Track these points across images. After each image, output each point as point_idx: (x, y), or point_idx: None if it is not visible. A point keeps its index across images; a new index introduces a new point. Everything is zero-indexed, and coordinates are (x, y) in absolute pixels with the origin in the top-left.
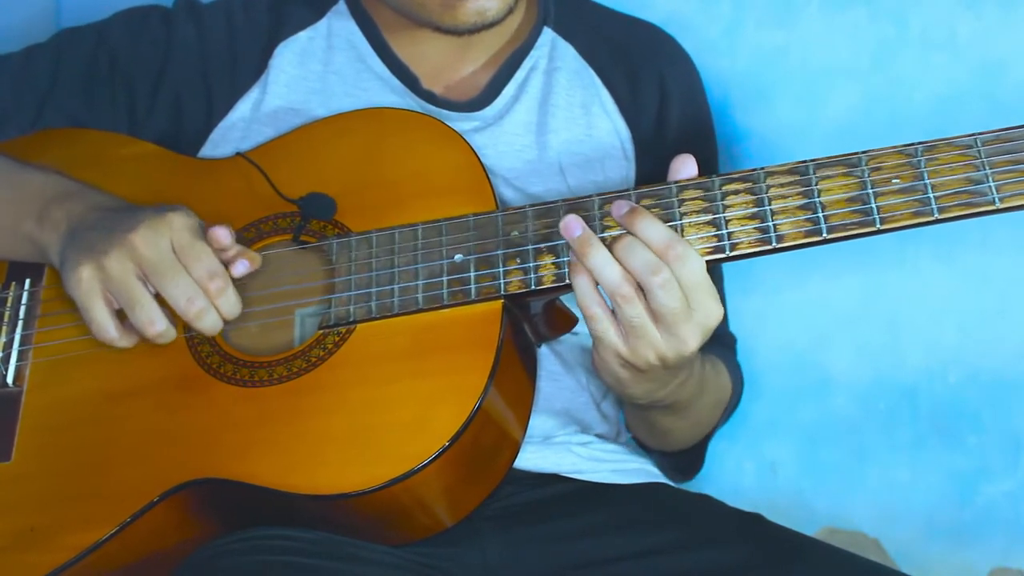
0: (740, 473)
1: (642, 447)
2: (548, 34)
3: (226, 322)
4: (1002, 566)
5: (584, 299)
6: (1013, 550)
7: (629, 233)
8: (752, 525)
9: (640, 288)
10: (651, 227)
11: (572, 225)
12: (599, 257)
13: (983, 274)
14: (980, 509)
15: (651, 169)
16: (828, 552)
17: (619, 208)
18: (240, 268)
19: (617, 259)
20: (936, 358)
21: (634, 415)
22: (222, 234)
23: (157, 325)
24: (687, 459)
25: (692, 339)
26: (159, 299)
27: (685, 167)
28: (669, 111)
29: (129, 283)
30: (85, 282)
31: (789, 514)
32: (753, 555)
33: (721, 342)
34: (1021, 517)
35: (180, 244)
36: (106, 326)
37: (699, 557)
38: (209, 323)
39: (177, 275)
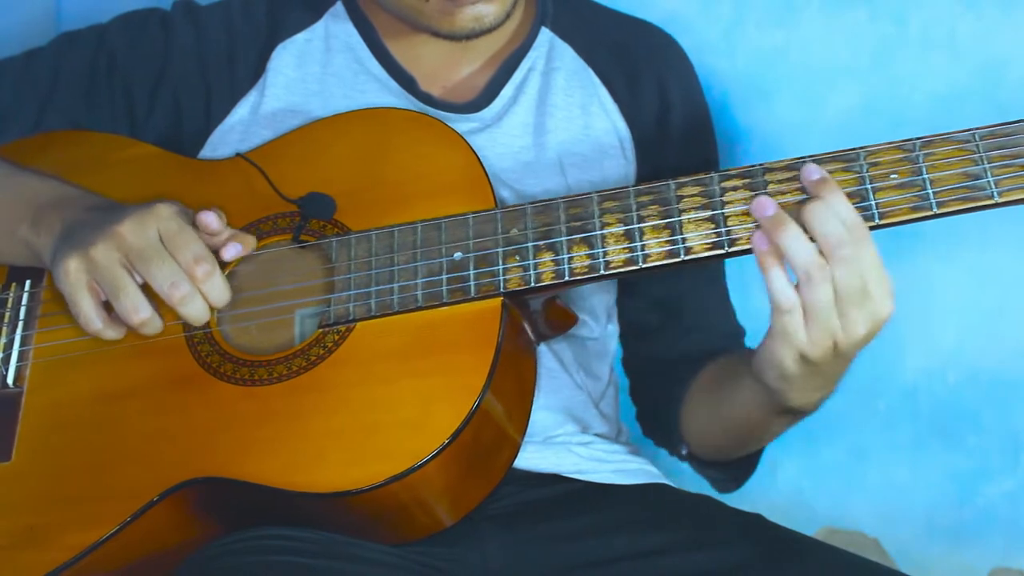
0: None
1: (697, 463)
2: (546, 34)
3: (215, 309)
4: (1002, 566)
5: (779, 289)
6: (1013, 550)
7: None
8: (752, 525)
9: None
10: (842, 203)
11: (766, 204)
12: (794, 235)
13: (983, 274)
14: (980, 509)
15: (651, 169)
16: (828, 552)
17: (810, 173)
18: (232, 251)
19: (806, 221)
20: (936, 358)
21: (739, 426)
22: (210, 218)
23: (141, 312)
24: (747, 464)
25: (862, 325)
26: (147, 290)
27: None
28: (670, 112)
29: (114, 271)
30: (72, 273)
31: (789, 514)
32: (753, 555)
33: (735, 335)
34: (1021, 517)
35: (167, 232)
36: (91, 317)
37: (699, 557)
38: (195, 309)
39: (162, 260)
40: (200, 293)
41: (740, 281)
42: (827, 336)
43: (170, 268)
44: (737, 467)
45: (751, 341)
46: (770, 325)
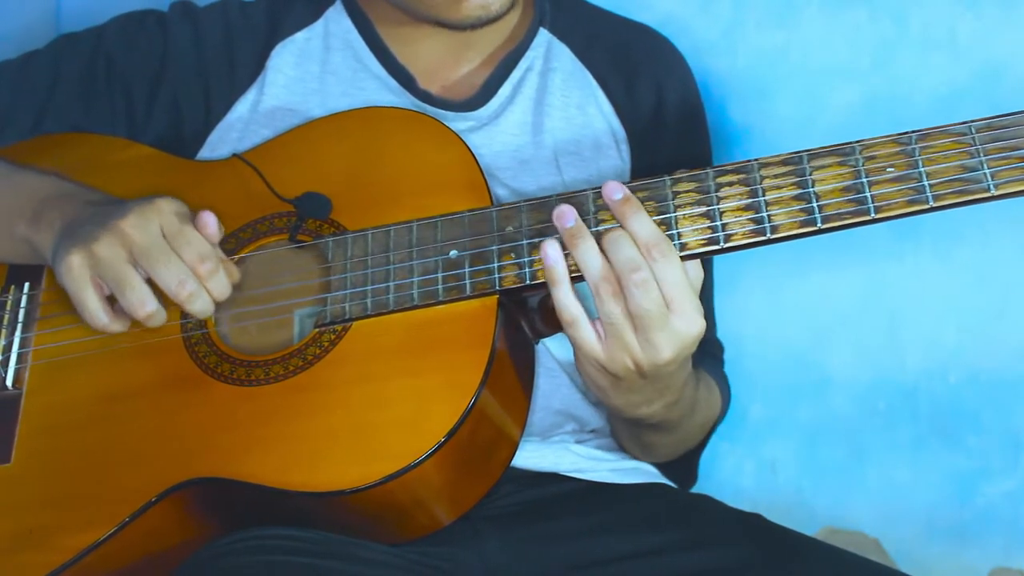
0: (740, 473)
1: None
2: (544, 35)
3: (217, 304)
4: (1002, 566)
5: (561, 302)
6: (1013, 550)
7: (620, 227)
8: (752, 525)
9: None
10: (640, 222)
11: (566, 215)
12: (587, 248)
13: (983, 274)
14: (980, 509)
15: (646, 170)
16: (828, 552)
17: (612, 191)
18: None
19: (603, 251)
20: (936, 358)
21: (619, 426)
22: (210, 220)
23: (148, 306)
24: (677, 472)
25: (667, 348)
26: (149, 283)
27: None
28: (665, 112)
29: (119, 267)
30: (76, 269)
31: (789, 514)
32: (753, 555)
33: (707, 351)
34: (1021, 517)
35: (170, 229)
36: (97, 312)
37: (699, 557)
38: (200, 305)
39: (168, 258)
40: (205, 289)
41: (741, 283)
42: (623, 353)
43: (176, 266)
44: (669, 470)
45: (748, 343)
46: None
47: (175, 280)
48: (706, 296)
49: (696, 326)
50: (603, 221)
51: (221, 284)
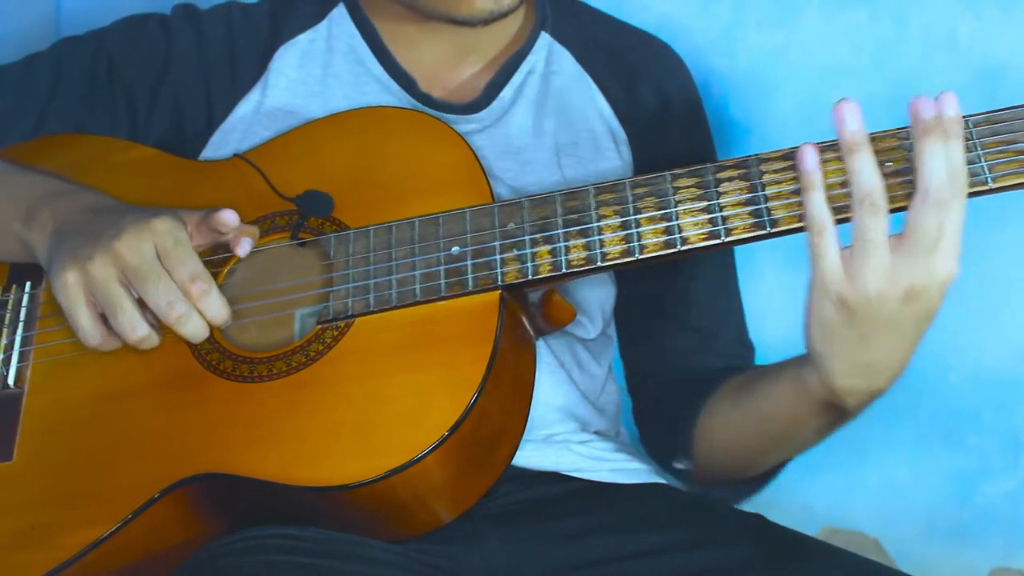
0: None
1: (689, 478)
2: (545, 39)
3: (214, 326)
4: (1002, 566)
5: (813, 208)
6: (1013, 550)
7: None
8: (752, 525)
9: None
10: (956, 149)
11: (855, 111)
12: (866, 161)
13: (983, 274)
14: (980, 509)
15: (648, 172)
16: (828, 552)
17: (939, 107)
18: (245, 247)
19: (919, 151)
20: (936, 358)
21: (770, 429)
22: (230, 216)
23: (138, 331)
24: (751, 487)
25: (919, 276)
26: (144, 305)
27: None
28: (666, 118)
29: (111, 289)
30: (70, 287)
31: (789, 514)
32: (753, 555)
33: (748, 348)
34: (1021, 517)
35: (164, 249)
36: (90, 331)
37: (699, 557)
38: (192, 327)
39: (158, 279)
40: (197, 311)
41: (741, 282)
42: (872, 277)
43: (166, 287)
44: (743, 486)
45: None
46: (810, 277)
47: (164, 301)
48: (735, 298)
49: (945, 270)
50: (603, 217)
51: (215, 304)
